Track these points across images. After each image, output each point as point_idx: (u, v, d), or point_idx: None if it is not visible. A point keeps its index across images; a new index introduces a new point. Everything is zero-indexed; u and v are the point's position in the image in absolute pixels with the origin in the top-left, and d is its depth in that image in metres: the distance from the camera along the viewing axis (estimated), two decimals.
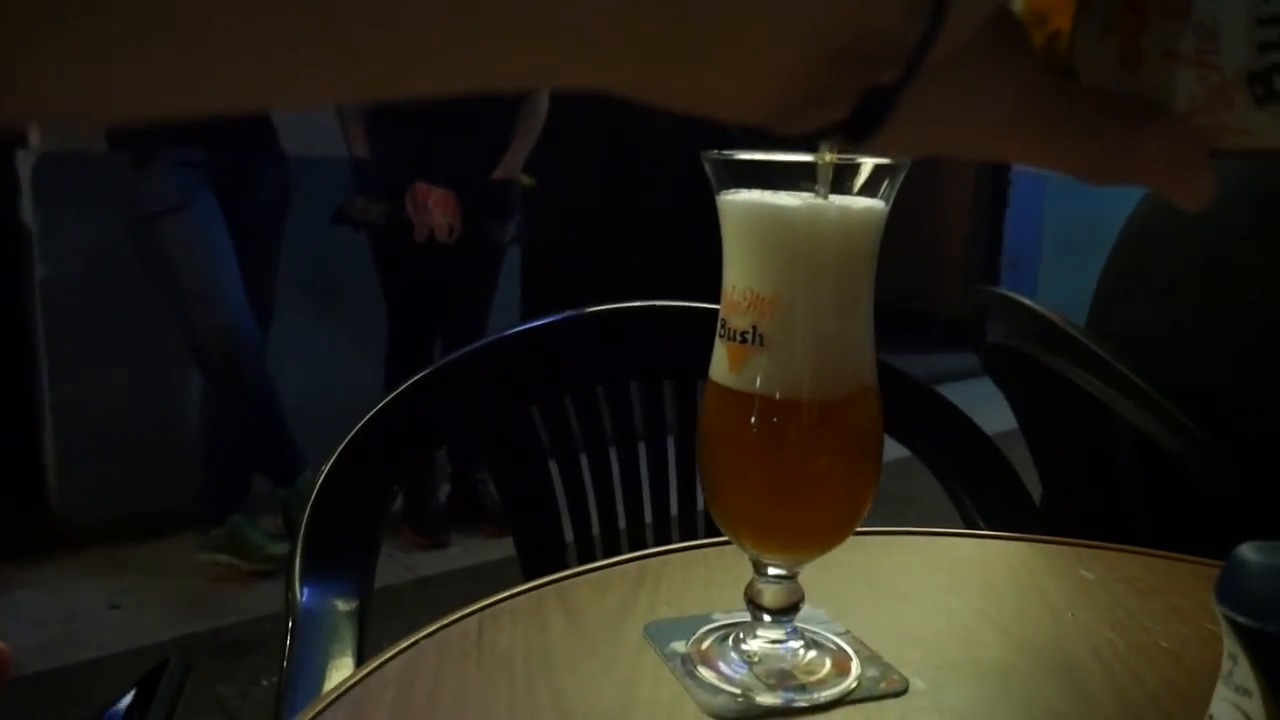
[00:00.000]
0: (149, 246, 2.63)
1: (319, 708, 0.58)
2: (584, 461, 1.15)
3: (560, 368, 1.15)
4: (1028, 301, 1.30)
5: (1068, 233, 5.09)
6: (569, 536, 1.12)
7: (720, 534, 0.67)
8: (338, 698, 0.59)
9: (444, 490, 3.24)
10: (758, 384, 0.55)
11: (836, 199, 0.52)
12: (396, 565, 2.93)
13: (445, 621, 0.68)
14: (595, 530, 1.15)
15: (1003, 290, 1.39)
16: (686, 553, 0.80)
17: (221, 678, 2.43)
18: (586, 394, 1.15)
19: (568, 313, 1.14)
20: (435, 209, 2.78)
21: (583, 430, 1.16)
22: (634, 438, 1.18)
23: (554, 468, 1.13)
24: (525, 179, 3.01)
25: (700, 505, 1.16)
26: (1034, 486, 1.42)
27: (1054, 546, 0.82)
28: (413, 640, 0.65)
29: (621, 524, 1.17)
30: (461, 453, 3.19)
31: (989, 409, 1.46)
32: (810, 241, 0.53)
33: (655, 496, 1.19)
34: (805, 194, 0.52)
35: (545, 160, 3.05)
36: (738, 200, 0.55)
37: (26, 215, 2.89)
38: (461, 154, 2.81)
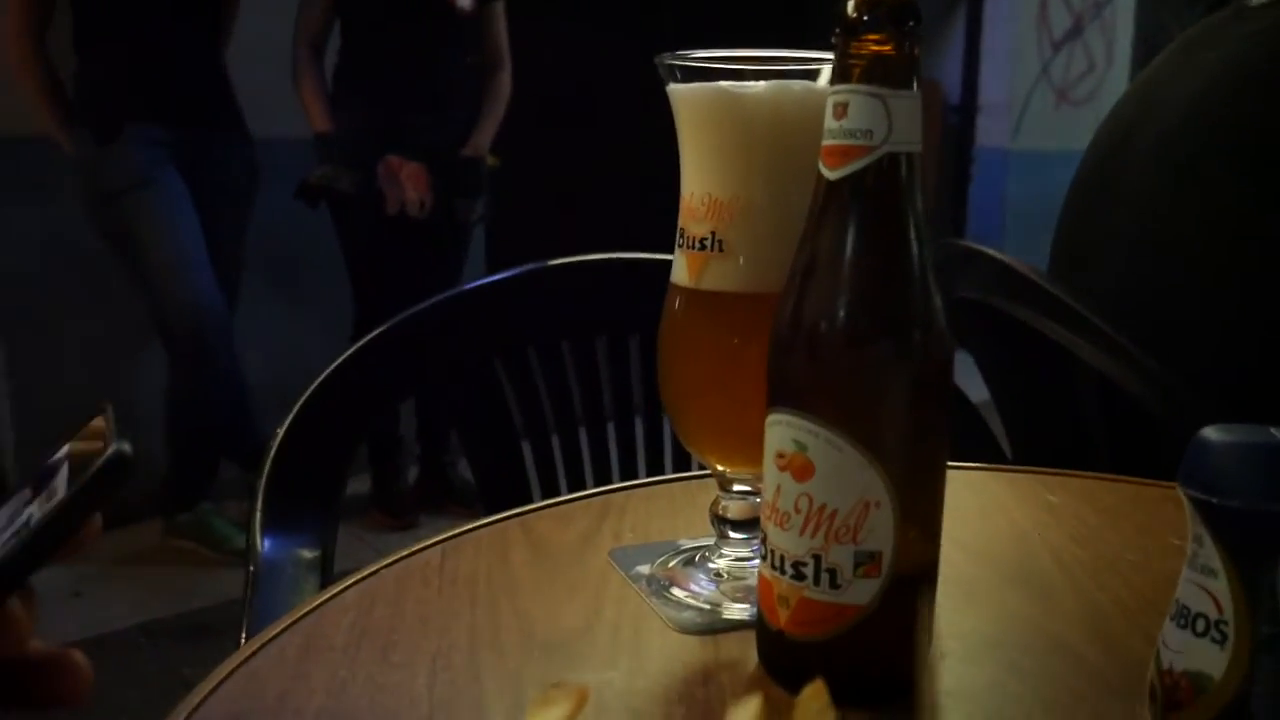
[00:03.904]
0: (113, 224, 2.57)
1: (275, 631, 0.57)
2: (549, 417, 1.14)
3: (522, 321, 1.13)
4: (992, 251, 1.30)
5: (1031, 209, 5.11)
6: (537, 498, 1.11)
7: (684, 471, 0.66)
8: (294, 622, 0.58)
9: (412, 472, 3.22)
10: (717, 287, 0.54)
11: (796, 85, 0.51)
12: (365, 547, 2.90)
13: (406, 552, 0.67)
14: (562, 488, 1.14)
15: (966, 242, 1.39)
16: (650, 487, 0.79)
17: (189, 661, 2.40)
18: (550, 348, 1.14)
19: (529, 266, 1.13)
20: (407, 182, 2.75)
21: (547, 386, 1.14)
22: (600, 393, 1.17)
23: (518, 421, 1.11)
24: (491, 158, 2.99)
25: (668, 458, 1.16)
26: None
27: (1019, 475, 0.82)
28: (373, 569, 0.64)
29: (590, 484, 1.16)
30: (429, 433, 3.17)
31: (962, 381, 1.45)
32: (771, 128, 0.52)
33: (624, 458, 1.17)
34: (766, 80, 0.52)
35: (509, 140, 3.03)
36: (691, 88, 0.54)
37: None
38: (430, 129, 2.79)
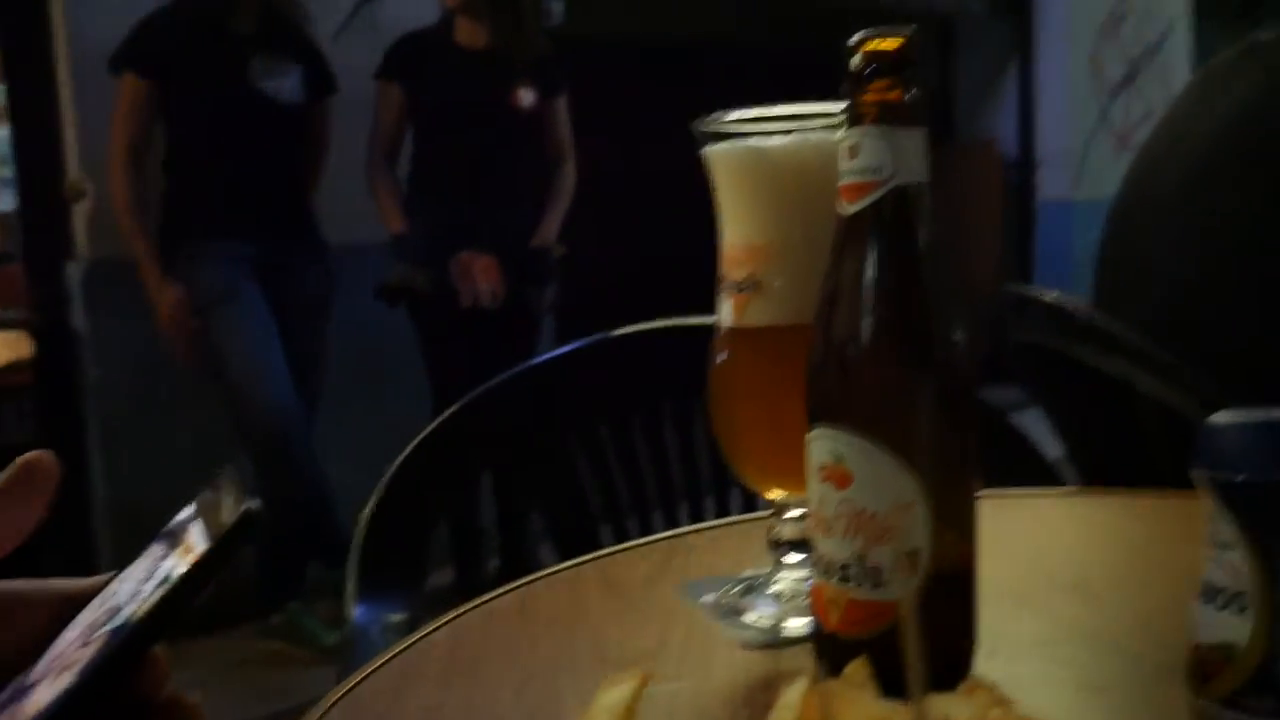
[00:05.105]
0: (198, 339, 2.72)
1: (369, 670, 0.61)
2: (620, 487, 1.18)
3: (591, 391, 1.19)
4: (1041, 293, 1.33)
5: None
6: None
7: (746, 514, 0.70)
8: (387, 661, 0.62)
9: (493, 562, 3.26)
10: (758, 323, 0.59)
11: (815, 136, 0.57)
12: None
13: (487, 598, 0.72)
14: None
15: (1019, 288, 1.42)
16: (714, 530, 0.84)
17: None
18: (620, 416, 1.19)
19: (594, 336, 1.19)
20: (480, 275, 2.85)
21: (617, 456, 1.19)
22: (668, 462, 1.21)
23: (590, 490, 1.16)
24: (557, 247, 3.08)
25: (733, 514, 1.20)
26: None
27: (1071, 497, 0.84)
28: (458, 613, 0.69)
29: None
30: (507, 522, 3.21)
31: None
32: (797, 176, 0.58)
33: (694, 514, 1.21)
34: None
35: (575, 229, 3.12)
36: (724, 148, 0.60)
37: (77, 321, 3.00)
38: (499, 221, 2.90)
